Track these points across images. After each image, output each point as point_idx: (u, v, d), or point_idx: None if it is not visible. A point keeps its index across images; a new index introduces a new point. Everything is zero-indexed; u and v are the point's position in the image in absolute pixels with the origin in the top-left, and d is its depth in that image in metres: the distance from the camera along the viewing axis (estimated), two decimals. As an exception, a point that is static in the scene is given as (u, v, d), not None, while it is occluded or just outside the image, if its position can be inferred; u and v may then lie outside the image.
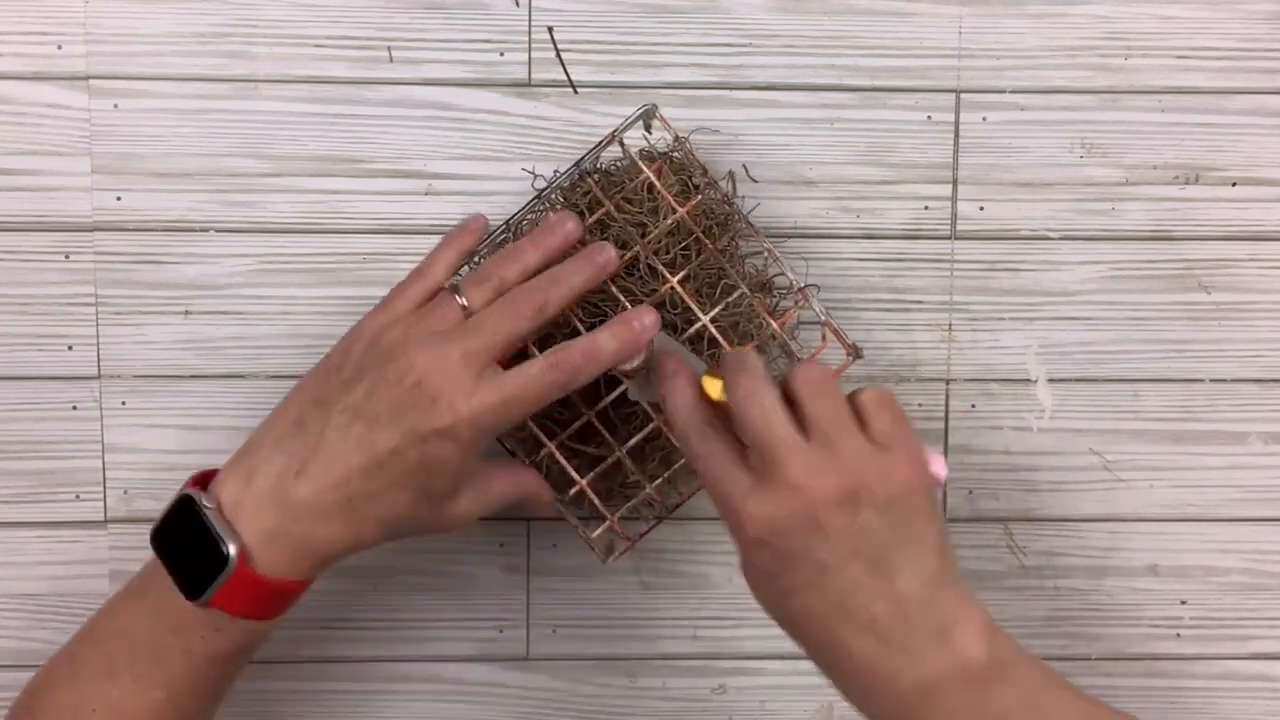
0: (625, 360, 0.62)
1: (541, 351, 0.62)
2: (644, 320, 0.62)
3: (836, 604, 0.56)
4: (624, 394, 0.67)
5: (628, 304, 0.65)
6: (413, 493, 0.61)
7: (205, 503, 0.61)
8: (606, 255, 0.64)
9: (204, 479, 0.63)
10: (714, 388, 0.60)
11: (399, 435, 0.60)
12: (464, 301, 0.62)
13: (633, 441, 0.67)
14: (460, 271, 0.66)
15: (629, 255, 0.66)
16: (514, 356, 0.62)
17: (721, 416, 0.60)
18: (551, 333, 0.65)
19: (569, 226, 0.64)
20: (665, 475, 0.69)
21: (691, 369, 0.61)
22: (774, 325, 0.68)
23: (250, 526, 0.61)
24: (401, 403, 0.60)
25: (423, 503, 0.62)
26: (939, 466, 0.59)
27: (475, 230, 0.67)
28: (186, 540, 0.61)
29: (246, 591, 0.61)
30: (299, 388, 0.65)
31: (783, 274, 0.68)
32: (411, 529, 0.63)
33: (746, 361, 0.59)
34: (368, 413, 0.60)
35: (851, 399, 0.59)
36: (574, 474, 0.67)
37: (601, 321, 0.64)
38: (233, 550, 0.60)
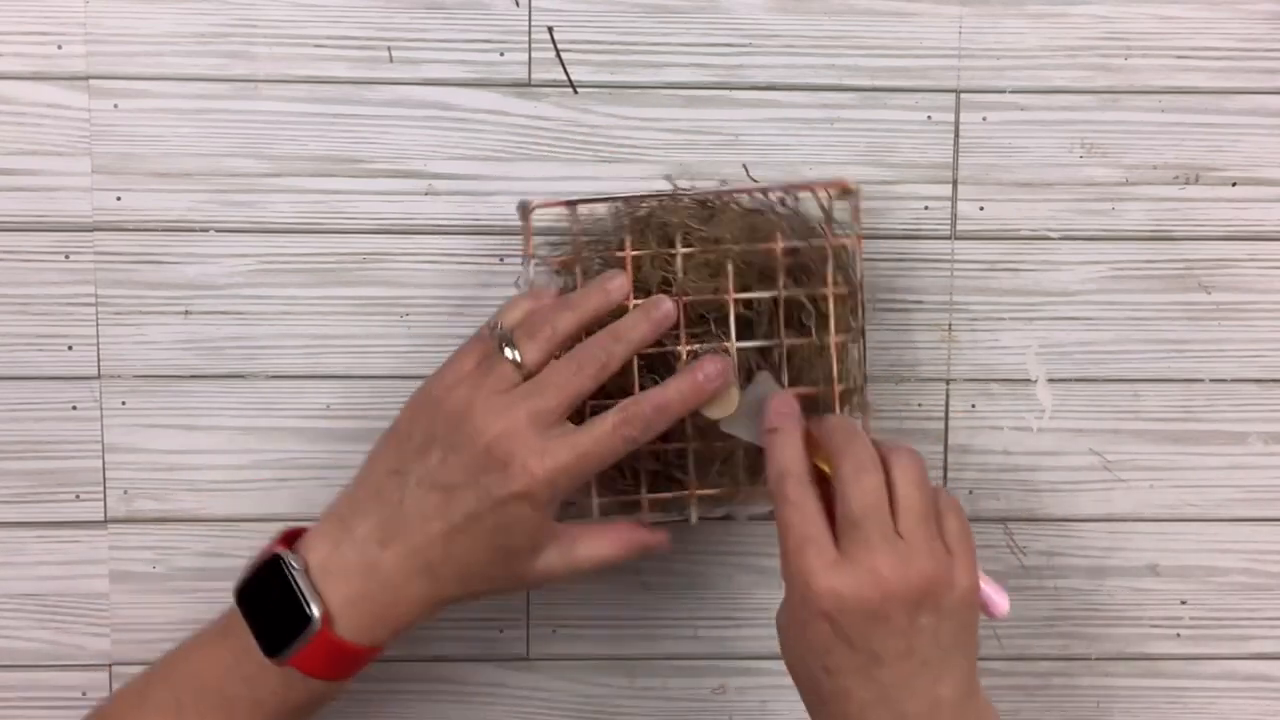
0: (696, 407, 0.64)
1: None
2: (708, 371, 0.63)
3: (879, 695, 0.57)
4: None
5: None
6: (492, 554, 0.62)
7: (293, 563, 0.62)
8: (664, 310, 0.64)
9: (290, 537, 0.64)
10: (815, 449, 0.61)
11: (475, 501, 0.61)
12: (517, 357, 0.63)
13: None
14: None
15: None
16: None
17: (813, 474, 0.61)
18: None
19: (618, 283, 0.65)
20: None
21: (800, 418, 0.62)
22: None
23: (335, 591, 0.62)
24: (474, 468, 0.61)
25: (502, 563, 0.63)
26: (1003, 601, 0.61)
27: (538, 294, 0.67)
28: (271, 598, 0.62)
29: (324, 654, 0.62)
30: (375, 455, 0.65)
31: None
32: (492, 588, 0.64)
33: (857, 435, 0.60)
34: (443, 481, 0.61)
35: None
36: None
37: (659, 366, 0.65)
38: (317, 612, 0.61)
